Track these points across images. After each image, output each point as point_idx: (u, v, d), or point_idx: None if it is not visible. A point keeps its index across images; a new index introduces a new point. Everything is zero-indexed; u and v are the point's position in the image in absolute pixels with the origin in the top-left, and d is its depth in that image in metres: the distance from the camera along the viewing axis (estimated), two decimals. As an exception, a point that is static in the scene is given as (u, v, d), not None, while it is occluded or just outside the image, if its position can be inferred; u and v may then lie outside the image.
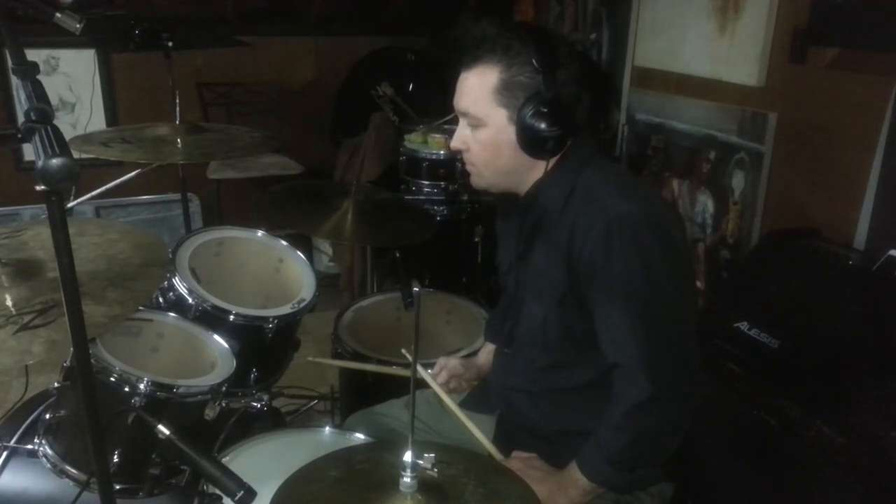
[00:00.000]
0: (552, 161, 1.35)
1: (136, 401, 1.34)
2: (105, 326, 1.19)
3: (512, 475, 1.12)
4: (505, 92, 1.30)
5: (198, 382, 1.48)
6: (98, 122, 3.79)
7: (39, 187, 0.79)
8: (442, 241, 2.35)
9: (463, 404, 1.60)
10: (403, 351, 1.78)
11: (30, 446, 1.48)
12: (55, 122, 0.84)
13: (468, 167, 1.43)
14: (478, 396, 1.65)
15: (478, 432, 1.50)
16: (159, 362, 1.62)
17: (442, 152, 2.81)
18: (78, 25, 1.47)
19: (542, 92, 1.27)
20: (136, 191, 3.79)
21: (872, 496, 1.42)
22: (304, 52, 4.23)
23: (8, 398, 2.42)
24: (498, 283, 1.63)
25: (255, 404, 1.77)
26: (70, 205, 2.07)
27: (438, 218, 2.75)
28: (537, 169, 1.36)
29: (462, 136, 1.39)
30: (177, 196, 3.17)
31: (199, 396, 1.46)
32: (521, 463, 1.40)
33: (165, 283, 1.76)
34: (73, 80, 3.72)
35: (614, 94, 3.03)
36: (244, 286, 1.98)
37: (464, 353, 1.88)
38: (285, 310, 1.82)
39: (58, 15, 1.43)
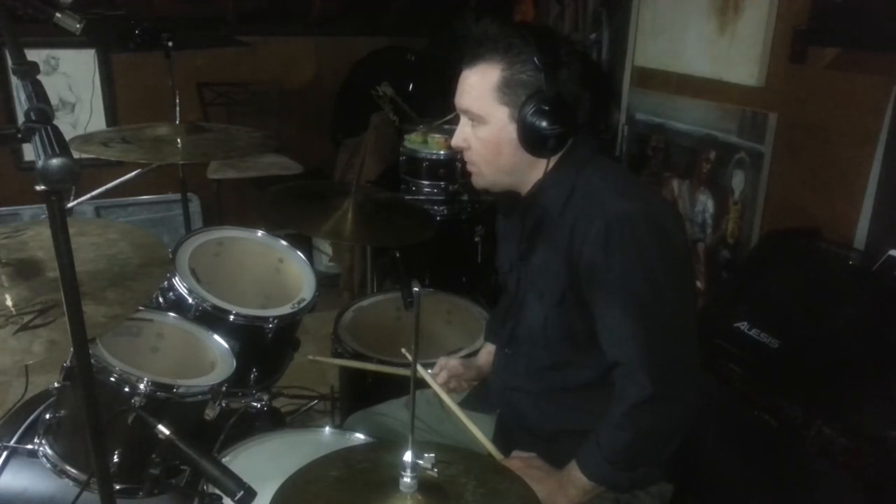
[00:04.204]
0: (553, 160, 1.35)
1: (136, 401, 1.33)
2: (105, 326, 1.19)
3: (512, 475, 1.11)
4: (506, 90, 1.30)
5: (198, 382, 1.48)
6: (98, 122, 3.79)
7: (39, 187, 0.79)
8: (442, 241, 2.35)
9: (463, 404, 1.60)
10: (403, 351, 1.78)
11: (30, 446, 1.47)
12: (55, 122, 0.84)
13: (469, 166, 1.43)
14: (478, 396, 1.65)
15: (478, 432, 1.50)
16: (159, 362, 1.62)
17: (442, 152, 2.81)
18: (78, 25, 1.47)
19: (543, 90, 1.27)
20: (136, 191, 3.79)
21: (873, 496, 1.42)
22: (304, 52, 4.24)
23: (8, 398, 2.41)
24: (498, 282, 1.63)
25: (255, 404, 1.77)
26: (70, 205, 2.07)
27: (438, 218, 2.75)
28: (538, 168, 1.36)
29: (463, 134, 1.39)
30: (177, 196, 3.17)
31: (199, 396, 1.46)
32: (521, 463, 1.40)
33: (165, 283, 1.76)
34: (73, 80, 3.72)
35: (614, 94, 3.03)
36: (244, 286, 1.98)
37: (464, 353, 1.88)
38: (285, 310, 1.82)
39: (58, 15, 1.43)
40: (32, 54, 0.92)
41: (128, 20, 2.61)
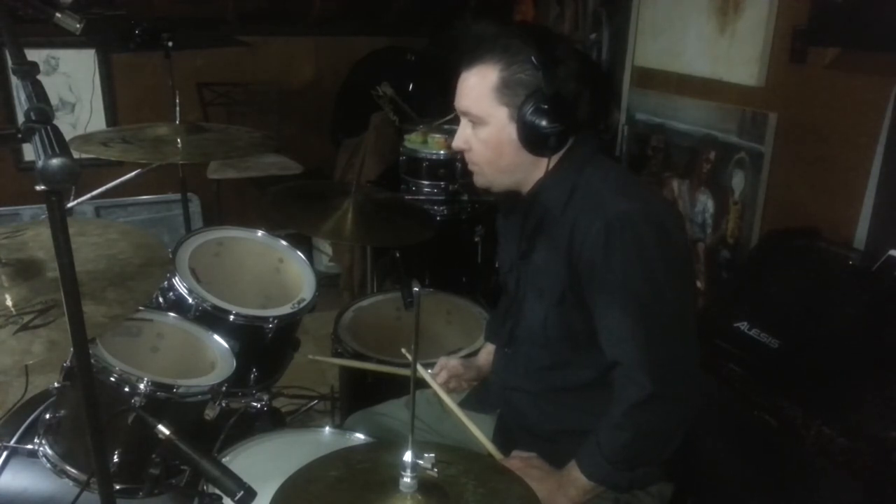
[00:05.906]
0: (554, 159, 1.35)
1: (136, 401, 1.34)
2: (105, 326, 1.19)
3: (512, 475, 1.11)
4: (505, 90, 1.30)
5: (198, 382, 1.48)
6: (98, 122, 3.79)
7: (39, 187, 0.79)
8: (442, 241, 2.35)
9: (463, 404, 1.60)
10: (403, 351, 1.78)
11: (30, 446, 1.47)
12: (55, 122, 0.84)
13: (471, 167, 1.43)
14: (478, 396, 1.65)
15: (478, 432, 1.50)
16: (159, 362, 1.62)
17: (442, 152, 2.81)
18: (78, 25, 1.47)
19: (542, 89, 1.27)
20: (136, 191, 3.79)
21: (873, 496, 1.42)
22: (304, 52, 4.24)
23: (8, 398, 2.41)
24: (498, 282, 1.63)
25: (255, 404, 1.77)
26: (70, 205, 2.07)
27: (438, 218, 2.75)
28: (539, 167, 1.36)
29: (464, 136, 1.39)
30: (177, 196, 3.17)
31: (199, 396, 1.46)
32: (521, 462, 1.40)
33: (165, 283, 1.76)
34: (73, 80, 3.71)
35: (614, 94, 3.03)
36: (244, 286, 1.98)
37: (464, 353, 1.88)
38: (285, 310, 1.82)
39: (58, 15, 1.43)
40: (32, 54, 0.92)
41: (128, 20, 2.61)
